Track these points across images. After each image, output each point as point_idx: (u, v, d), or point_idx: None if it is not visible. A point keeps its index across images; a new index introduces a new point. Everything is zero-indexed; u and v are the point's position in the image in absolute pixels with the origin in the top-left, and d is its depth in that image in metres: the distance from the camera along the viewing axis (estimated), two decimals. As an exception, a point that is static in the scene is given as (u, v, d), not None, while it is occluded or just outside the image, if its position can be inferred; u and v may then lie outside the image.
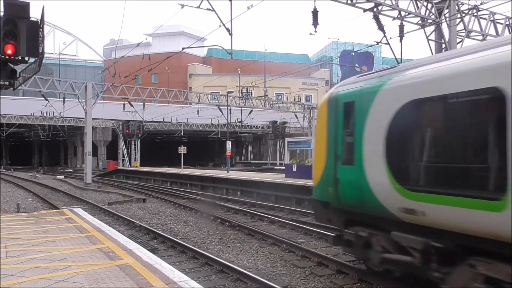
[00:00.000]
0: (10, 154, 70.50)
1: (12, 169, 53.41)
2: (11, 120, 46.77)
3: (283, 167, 25.82)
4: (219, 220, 13.83)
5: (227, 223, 13.15)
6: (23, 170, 51.95)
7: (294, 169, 21.20)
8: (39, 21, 14.51)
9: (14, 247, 7.09)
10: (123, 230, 11.97)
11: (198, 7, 16.42)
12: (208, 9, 16.45)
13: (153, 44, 78.64)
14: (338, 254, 8.85)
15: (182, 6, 17.30)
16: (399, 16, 16.29)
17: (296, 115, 46.94)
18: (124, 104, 36.34)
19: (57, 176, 38.89)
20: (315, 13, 15.19)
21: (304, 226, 11.97)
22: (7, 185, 31.35)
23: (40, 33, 14.24)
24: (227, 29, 16.13)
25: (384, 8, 15.88)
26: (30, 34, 13.48)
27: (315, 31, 15.42)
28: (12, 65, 14.97)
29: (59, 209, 15.04)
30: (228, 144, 29.38)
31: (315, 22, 15.24)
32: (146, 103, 39.04)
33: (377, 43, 17.13)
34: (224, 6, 24.17)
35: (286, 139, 23.51)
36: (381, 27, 15.97)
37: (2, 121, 45.01)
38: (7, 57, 13.59)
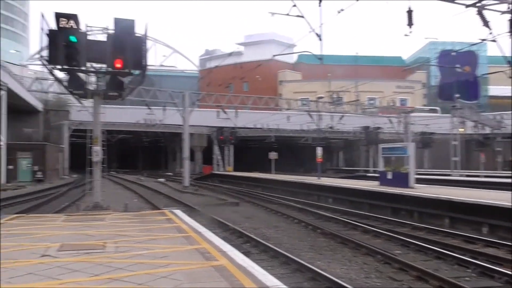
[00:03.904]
0: (118, 159, 77.60)
1: (121, 172, 58.63)
2: (119, 128, 51.53)
3: (377, 175, 24.79)
4: (310, 227, 13.70)
5: (319, 230, 12.96)
6: (129, 173, 56.70)
7: (389, 176, 20.22)
8: (143, 37, 15.78)
9: (122, 243, 7.73)
10: (218, 232, 12.41)
11: (288, 14, 16.57)
12: (297, 16, 16.52)
13: (245, 53, 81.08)
14: (439, 269, 8.21)
15: (272, 14, 17.63)
16: (509, 9, 14.75)
17: (390, 120, 44.88)
18: (218, 112, 37.93)
19: (159, 179, 41.84)
20: (409, 13, 14.43)
21: (400, 237, 11.34)
22: (116, 186, 34.54)
23: (143, 47, 15.51)
24: (317, 35, 16.03)
25: (490, 2, 14.51)
26: (135, 49, 14.76)
27: (410, 32, 14.64)
28: (120, 78, 16.45)
29: (160, 210, 16.11)
30: (319, 150, 29.04)
31: (410, 22, 14.47)
32: (238, 110, 40.37)
33: (482, 40, 15.72)
34: (314, 11, 24.06)
35: (380, 145, 22.55)
36: (486, 24, 14.63)
37: (112, 128, 49.68)
38: (116, 70, 14.98)
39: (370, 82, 51.18)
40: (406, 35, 15.00)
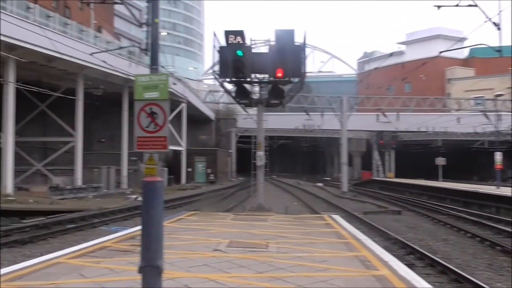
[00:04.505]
0: (279, 163, 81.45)
1: (281, 176, 61.42)
2: (280, 134, 54.13)
3: None
4: (487, 242, 12.05)
5: (498, 247, 11.30)
6: (289, 177, 58.92)
7: None
8: (302, 45, 16.24)
9: (283, 244, 8.06)
10: (378, 240, 11.91)
11: (457, 5, 14.98)
12: (469, 6, 14.80)
13: (406, 52, 76.43)
14: None
15: (439, 7, 16.16)
16: None
17: None
18: (377, 115, 36.60)
19: (317, 184, 42.44)
20: None
21: None
22: (277, 189, 36.31)
23: (302, 55, 15.97)
24: (494, 24, 14.09)
25: None
26: (295, 58, 15.31)
27: None
28: (281, 86, 17.24)
29: (319, 214, 16.30)
30: (498, 156, 25.45)
31: None
32: (399, 113, 38.23)
33: None
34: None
35: None
36: None
37: (273, 134, 52.47)
38: (277, 79, 15.76)
39: None
40: None
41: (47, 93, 23.34)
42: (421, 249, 10.70)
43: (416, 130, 47.00)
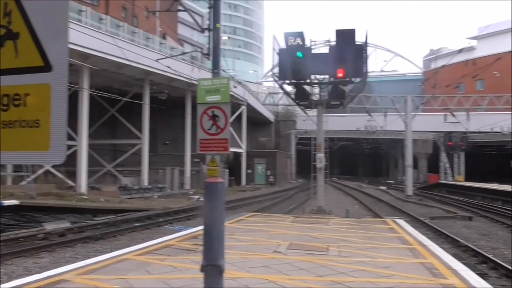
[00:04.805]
0: (339, 165, 80.00)
1: (341, 178, 60.27)
2: (340, 135, 53.13)
3: None
4: None
5: None
6: (350, 180, 57.64)
7: None
8: (363, 44, 15.85)
9: (344, 248, 7.89)
10: (446, 247, 11.28)
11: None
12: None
13: (478, 48, 71.91)
14: None
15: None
16: None
17: None
18: (445, 115, 34.74)
19: (379, 187, 41.11)
20: None
21: None
22: (337, 191, 35.67)
23: (364, 55, 15.59)
24: None
25: None
26: (356, 57, 14.99)
27: None
28: (341, 87, 16.95)
29: (382, 218, 15.78)
30: None
31: None
32: (470, 112, 36.00)
33: None
34: None
35: None
36: None
37: (334, 136, 51.62)
38: (337, 80, 15.51)
39: None
40: None
41: (117, 98, 24.77)
42: (495, 258, 9.98)
43: (489, 130, 43.94)
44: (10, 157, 1.41)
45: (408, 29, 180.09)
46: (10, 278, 7.54)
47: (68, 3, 1.39)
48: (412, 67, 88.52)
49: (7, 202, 14.45)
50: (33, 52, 1.36)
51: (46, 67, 1.35)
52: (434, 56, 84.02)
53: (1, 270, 8.47)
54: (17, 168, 21.56)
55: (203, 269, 4.21)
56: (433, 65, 76.47)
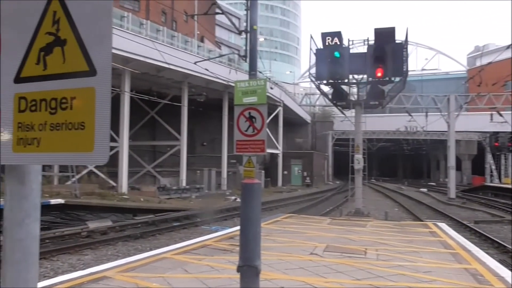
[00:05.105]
0: (378, 167, 78.25)
1: (380, 180, 58.98)
2: (379, 136, 52.01)
3: None
4: None
5: None
6: (389, 181, 56.28)
7: None
8: (403, 43, 15.45)
9: (383, 251, 7.71)
10: (492, 253, 10.81)
11: None
12: None
13: (527, 44, 68.24)
14: None
15: None
16: None
17: None
18: (491, 114, 33.22)
19: (420, 189, 39.88)
20: None
21: None
22: (375, 193, 34.92)
23: (404, 53, 15.19)
24: None
25: None
26: (396, 56, 14.63)
27: None
28: (380, 86, 16.59)
29: (422, 221, 15.31)
30: None
31: None
32: (519, 112, 34.18)
33: None
34: None
35: None
36: None
37: (372, 136, 50.62)
38: (376, 79, 15.20)
39: None
40: None
41: (156, 101, 25.39)
42: (546, 266, 9.45)
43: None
44: (57, 158, 1.48)
45: (451, 26, 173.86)
46: (56, 274, 7.90)
47: (112, 8, 1.44)
48: (455, 65, 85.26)
49: (53, 201, 15.14)
50: (79, 57, 1.42)
51: (91, 72, 1.41)
52: (479, 53, 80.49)
53: (48, 266, 8.89)
54: (62, 168, 22.52)
55: (240, 269, 4.24)
56: (478, 63, 73.28)
